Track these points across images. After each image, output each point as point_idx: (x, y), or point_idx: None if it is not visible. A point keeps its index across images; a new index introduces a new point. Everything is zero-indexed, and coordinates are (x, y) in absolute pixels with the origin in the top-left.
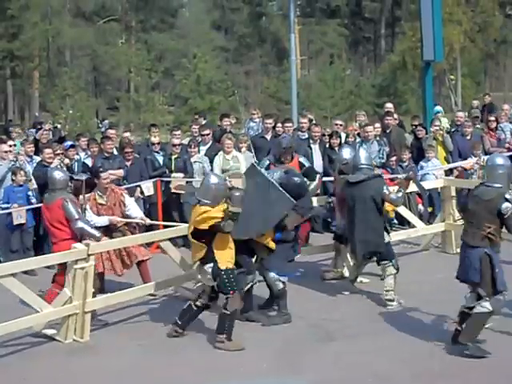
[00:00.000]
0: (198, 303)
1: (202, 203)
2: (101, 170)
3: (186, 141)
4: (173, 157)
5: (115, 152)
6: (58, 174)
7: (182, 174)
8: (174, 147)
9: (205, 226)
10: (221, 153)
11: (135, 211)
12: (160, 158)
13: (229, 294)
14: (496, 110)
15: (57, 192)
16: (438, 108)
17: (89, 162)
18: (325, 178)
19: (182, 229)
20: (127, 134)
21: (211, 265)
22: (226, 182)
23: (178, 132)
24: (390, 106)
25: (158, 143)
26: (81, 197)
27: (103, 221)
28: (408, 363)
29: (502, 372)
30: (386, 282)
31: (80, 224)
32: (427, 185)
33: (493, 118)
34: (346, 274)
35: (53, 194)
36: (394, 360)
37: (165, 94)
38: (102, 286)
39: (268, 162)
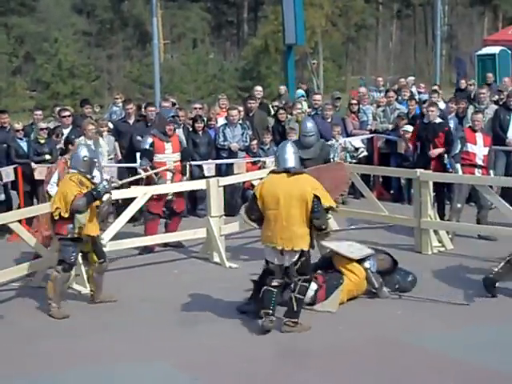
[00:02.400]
0: (274, 283)
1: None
2: (73, 137)
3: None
4: (41, 141)
5: None
6: None
7: (49, 157)
8: (41, 131)
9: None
10: (82, 138)
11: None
12: (23, 145)
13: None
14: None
15: None
16: (301, 91)
17: None
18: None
19: (32, 209)
20: (4, 116)
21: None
22: None
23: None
24: (259, 89)
25: (23, 129)
26: None
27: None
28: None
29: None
30: None
31: None
32: None
33: (355, 102)
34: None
35: None
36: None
37: (26, 78)
38: None
39: (151, 140)
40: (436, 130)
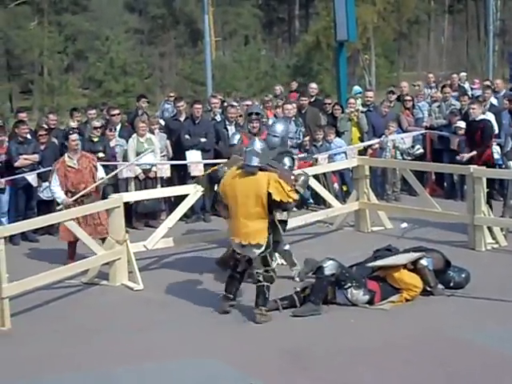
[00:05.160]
0: (239, 270)
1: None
2: (71, 132)
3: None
4: (94, 139)
5: (29, 136)
6: None
7: (102, 155)
8: (95, 130)
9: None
10: (134, 135)
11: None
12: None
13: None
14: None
15: None
16: (358, 88)
17: None
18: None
19: (87, 208)
20: (53, 117)
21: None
22: None
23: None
24: (314, 86)
25: (78, 128)
26: None
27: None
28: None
29: None
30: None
31: None
32: (339, 165)
33: (409, 98)
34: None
35: None
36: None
37: (78, 76)
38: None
39: (239, 135)
40: (474, 127)
